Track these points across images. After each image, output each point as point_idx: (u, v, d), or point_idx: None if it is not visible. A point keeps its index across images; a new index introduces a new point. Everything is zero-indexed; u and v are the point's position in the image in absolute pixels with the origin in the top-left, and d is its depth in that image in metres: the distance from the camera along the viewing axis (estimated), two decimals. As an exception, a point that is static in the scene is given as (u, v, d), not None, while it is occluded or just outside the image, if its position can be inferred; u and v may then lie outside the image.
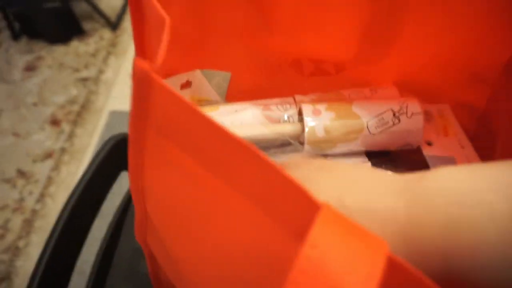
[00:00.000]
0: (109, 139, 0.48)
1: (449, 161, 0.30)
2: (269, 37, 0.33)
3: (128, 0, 0.21)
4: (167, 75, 0.29)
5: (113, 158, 0.47)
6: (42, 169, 1.31)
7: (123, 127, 1.36)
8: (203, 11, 0.30)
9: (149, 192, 0.21)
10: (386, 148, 0.31)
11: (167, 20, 0.18)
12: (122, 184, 0.50)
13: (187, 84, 0.31)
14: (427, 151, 0.31)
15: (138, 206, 0.22)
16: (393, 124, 0.29)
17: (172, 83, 0.29)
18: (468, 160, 0.30)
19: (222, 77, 0.34)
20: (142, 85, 0.16)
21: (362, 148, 0.30)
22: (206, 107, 0.32)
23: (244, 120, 0.31)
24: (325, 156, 0.31)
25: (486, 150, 0.32)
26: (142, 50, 0.23)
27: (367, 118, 0.29)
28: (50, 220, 1.17)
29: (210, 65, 0.33)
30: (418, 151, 0.31)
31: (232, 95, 0.36)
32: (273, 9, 0.31)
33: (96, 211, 0.46)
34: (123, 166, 0.49)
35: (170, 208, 0.21)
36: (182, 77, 0.30)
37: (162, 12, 0.18)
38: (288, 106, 0.31)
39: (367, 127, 0.29)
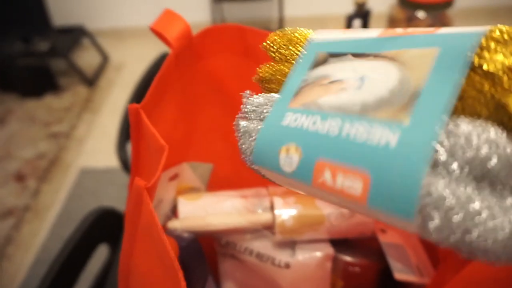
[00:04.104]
0: (91, 213, 0.50)
1: (399, 247, 0.36)
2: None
3: (130, 124, 0.26)
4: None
5: (94, 231, 0.49)
6: (1, 227, 1.25)
7: (92, 185, 1.35)
8: (190, 115, 0.36)
9: (134, 269, 0.25)
10: (346, 236, 0.36)
11: (166, 148, 0.22)
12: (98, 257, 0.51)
13: (175, 176, 0.35)
14: (382, 238, 0.36)
15: (123, 282, 0.26)
16: (350, 216, 0.34)
17: (163, 178, 0.33)
18: (414, 249, 0.36)
19: (205, 168, 0.39)
20: (137, 198, 0.21)
21: (326, 236, 0.35)
22: (190, 195, 0.37)
23: (223, 208, 0.35)
24: (294, 242, 0.35)
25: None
26: (137, 165, 0.27)
27: (328, 211, 0.34)
28: (4, 283, 1.10)
29: (195, 158, 0.38)
30: (374, 238, 0.37)
31: (214, 182, 0.40)
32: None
33: (73, 283, 0.47)
34: (102, 239, 0.51)
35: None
36: (171, 171, 0.35)
37: (162, 141, 0.23)
38: (262, 197, 0.36)
39: (329, 219, 0.34)
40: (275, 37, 0.22)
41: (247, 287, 0.36)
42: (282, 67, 0.21)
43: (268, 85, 0.22)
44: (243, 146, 0.20)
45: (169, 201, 0.36)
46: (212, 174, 0.39)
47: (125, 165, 0.72)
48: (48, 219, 1.26)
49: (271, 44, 0.22)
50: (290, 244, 0.35)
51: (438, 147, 0.13)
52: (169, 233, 0.34)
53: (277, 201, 0.34)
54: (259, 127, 0.19)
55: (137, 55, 2.16)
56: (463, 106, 0.14)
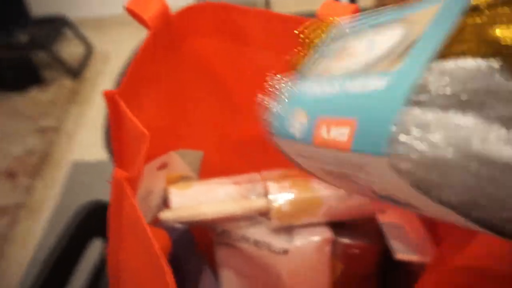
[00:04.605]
0: (82, 207, 0.49)
1: (399, 227, 0.35)
2: (233, 121, 0.37)
3: (108, 112, 0.24)
4: (145, 161, 0.32)
5: (86, 225, 0.48)
6: (-5, 227, 1.24)
7: (86, 179, 1.33)
8: (177, 102, 0.34)
9: (122, 266, 0.24)
10: (344, 218, 0.34)
11: (147, 135, 0.21)
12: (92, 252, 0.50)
13: (163, 165, 0.34)
14: (381, 219, 0.35)
15: (113, 279, 0.24)
16: (348, 198, 0.33)
17: (150, 168, 0.32)
18: (415, 228, 0.35)
19: (195, 155, 0.37)
20: (117, 191, 0.19)
21: (324, 220, 0.34)
22: (181, 184, 0.35)
23: (216, 197, 0.34)
24: (291, 228, 0.34)
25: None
26: (119, 155, 0.25)
27: (325, 193, 0.33)
28: (2, 283, 1.09)
29: (184, 146, 0.36)
30: (373, 219, 0.36)
31: (205, 171, 0.39)
32: (233, 96, 0.36)
33: (66, 281, 0.46)
34: (95, 233, 0.50)
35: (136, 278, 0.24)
36: (159, 160, 0.33)
37: (142, 128, 0.21)
38: (255, 183, 0.35)
39: (326, 202, 0.33)
40: (306, 26, 0.24)
41: (245, 275, 0.35)
42: (310, 52, 0.23)
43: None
44: (267, 121, 0.22)
45: (159, 191, 0.34)
46: (203, 163, 0.38)
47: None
48: (42, 215, 1.24)
49: (303, 31, 0.24)
50: (287, 230, 0.34)
51: (419, 84, 0.13)
52: (161, 224, 0.33)
53: (272, 186, 0.33)
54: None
55: (123, 45, 2.11)
56: (456, 48, 0.14)
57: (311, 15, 0.30)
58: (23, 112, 1.68)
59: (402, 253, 0.32)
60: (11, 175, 1.40)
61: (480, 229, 0.13)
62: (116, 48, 2.09)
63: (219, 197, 0.34)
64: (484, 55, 0.12)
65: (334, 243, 0.34)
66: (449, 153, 0.11)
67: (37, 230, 1.19)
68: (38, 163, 1.43)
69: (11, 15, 1.76)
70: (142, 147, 0.19)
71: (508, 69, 0.11)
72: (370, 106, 0.14)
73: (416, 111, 0.13)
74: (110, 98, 0.22)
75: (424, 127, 0.12)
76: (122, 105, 0.22)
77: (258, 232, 0.34)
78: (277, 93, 0.22)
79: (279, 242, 0.33)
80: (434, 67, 0.13)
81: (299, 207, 0.32)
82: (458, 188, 0.12)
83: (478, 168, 0.11)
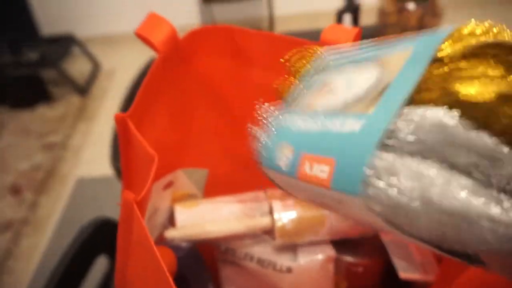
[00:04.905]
0: (88, 223, 0.49)
1: (403, 245, 0.35)
2: (237, 135, 0.38)
3: (118, 134, 0.25)
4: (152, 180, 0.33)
5: (92, 242, 0.48)
6: (0, 241, 1.24)
7: (90, 194, 1.33)
8: (182, 121, 0.35)
9: (129, 286, 0.25)
10: (347, 236, 0.35)
11: (156, 157, 0.21)
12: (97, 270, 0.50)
13: (169, 184, 0.34)
14: (385, 237, 0.36)
15: None
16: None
17: (157, 187, 0.32)
18: (418, 246, 0.35)
19: (200, 174, 0.38)
20: (127, 212, 0.20)
21: (327, 238, 0.34)
22: (187, 202, 0.36)
23: (221, 215, 0.34)
24: (295, 246, 0.34)
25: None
26: (127, 175, 0.26)
27: (328, 212, 0.33)
28: (6, 299, 1.09)
29: (190, 164, 0.37)
30: (377, 236, 0.36)
31: (210, 186, 0.39)
32: (236, 112, 0.37)
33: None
34: (101, 250, 0.50)
35: None
36: (165, 179, 0.34)
37: (151, 150, 0.22)
38: (260, 201, 0.35)
39: (329, 220, 0.33)
40: (293, 52, 0.25)
41: (249, 293, 0.35)
42: (295, 81, 0.24)
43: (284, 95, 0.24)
44: (256, 151, 0.23)
45: (165, 209, 0.35)
46: (208, 179, 0.39)
47: (120, 174, 0.71)
48: (47, 231, 1.25)
49: (290, 57, 0.25)
50: (291, 248, 0.34)
51: (390, 129, 0.14)
52: (167, 243, 0.33)
53: (276, 204, 0.34)
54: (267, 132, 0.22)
55: (129, 62, 2.15)
56: (423, 96, 0.15)
57: (315, 33, 0.31)
58: (31, 129, 1.71)
59: (406, 271, 0.32)
60: (16, 190, 1.41)
61: (454, 258, 0.13)
62: (122, 65, 2.13)
63: (224, 216, 0.34)
64: (446, 105, 0.13)
65: (337, 261, 0.34)
66: (414, 201, 0.12)
67: (41, 245, 1.19)
68: (44, 179, 1.44)
69: (22, 34, 1.80)
70: (151, 169, 0.20)
71: (466, 121, 0.12)
72: (347, 148, 0.15)
73: (387, 156, 0.13)
74: (120, 121, 0.23)
75: (393, 173, 0.13)
76: (132, 127, 0.22)
77: (262, 251, 0.34)
78: (266, 123, 0.23)
79: (283, 260, 0.33)
80: (403, 113, 0.14)
81: (303, 226, 0.33)
82: (425, 230, 0.13)
83: (440, 217, 0.12)
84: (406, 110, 0.14)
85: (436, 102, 0.14)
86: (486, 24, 0.14)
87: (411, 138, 0.13)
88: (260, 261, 0.34)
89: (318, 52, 0.23)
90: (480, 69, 0.13)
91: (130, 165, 0.26)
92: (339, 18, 0.77)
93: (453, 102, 0.13)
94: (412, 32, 0.18)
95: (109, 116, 1.69)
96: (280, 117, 0.22)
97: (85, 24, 2.33)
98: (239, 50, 0.35)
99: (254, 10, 2.34)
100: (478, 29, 0.14)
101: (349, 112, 0.16)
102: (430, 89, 0.14)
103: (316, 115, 0.19)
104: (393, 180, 0.13)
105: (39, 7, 2.15)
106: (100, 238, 0.50)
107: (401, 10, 0.69)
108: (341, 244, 0.35)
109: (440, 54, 0.14)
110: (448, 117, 0.13)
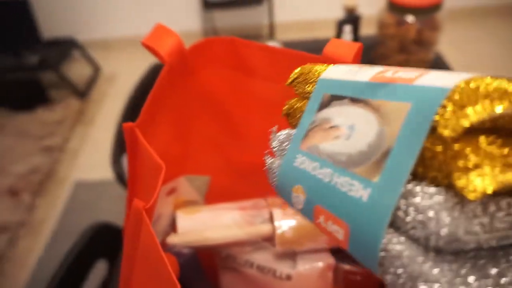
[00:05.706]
0: (87, 228, 0.49)
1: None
2: (238, 145, 0.39)
3: (126, 142, 0.26)
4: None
5: (92, 246, 0.49)
6: (-4, 245, 1.23)
7: (88, 198, 1.33)
8: (185, 130, 0.36)
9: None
10: (346, 244, 0.35)
11: (163, 167, 0.22)
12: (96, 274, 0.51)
13: (172, 191, 0.35)
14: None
15: None
16: (351, 225, 0.34)
17: (161, 193, 0.33)
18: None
19: (202, 180, 0.38)
20: (136, 219, 0.20)
21: (327, 245, 0.35)
22: (189, 209, 0.36)
23: (222, 222, 0.35)
24: (295, 253, 0.35)
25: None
26: (134, 183, 0.27)
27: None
28: (0, 303, 1.08)
29: (192, 171, 0.38)
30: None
31: (211, 194, 0.40)
32: (237, 122, 0.38)
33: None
34: (101, 254, 0.50)
35: None
36: (169, 186, 0.34)
37: (158, 159, 0.22)
38: (260, 209, 0.36)
39: (329, 228, 0.34)
40: (296, 73, 0.24)
41: (248, 300, 0.36)
42: (299, 105, 0.23)
43: (291, 120, 0.24)
44: (270, 180, 0.23)
45: (167, 216, 0.35)
46: (209, 187, 0.39)
47: (120, 178, 0.72)
48: (43, 234, 1.24)
49: (294, 79, 0.24)
50: (291, 255, 0.35)
51: (396, 208, 0.14)
52: (168, 249, 0.34)
53: (276, 212, 0.34)
54: (279, 165, 0.22)
55: (129, 66, 2.16)
56: (424, 170, 0.15)
57: (316, 44, 0.32)
58: (30, 131, 1.71)
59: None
60: (14, 193, 1.40)
61: None
62: (122, 70, 2.14)
63: (224, 222, 0.35)
64: (446, 186, 0.13)
65: (335, 269, 0.34)
66: None
67: (37, 248, 1.19)
68: (42, 182, 1.44)
69: (23, 37, 1.81)
70: (158, 178, 0.20)
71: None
72: (359, 217, 0.15)
73: (393, 238, 0.14)
74: (128, 130, 0.24)
75: (397, 260, 0.13)
76: (140, 137, 0.23)
77: (262, 258, 0.35)
78: (278, 154, 0.23)
79: (282, 267, 0.34)
80: (407, 190, 0.14)
81: (303, 233, 0.34)
82: None
83: None
84: (409, 187, 0.14)
85: (437, 182, 0.14)
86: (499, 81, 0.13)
87: (413, 225, 0.13)
88: (260, 268, 0.34)
89: (321, 76, 0.23)
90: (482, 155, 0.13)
91: (136, 172, 0.26)
92: (339, 29, 0.78)
93: (454, 186, 0.13)
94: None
95: (108, 120, 1.70)
96: (290, 150, 0.21)
97: (85, 28, 2.34)
98: (242, 62, 0.36)
99: (255, 17, 2.36)
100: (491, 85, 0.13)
101: (355, 172, 0.16)
102: (433, 168, 0.14)
103: (323, 163, 0.18)
104: (398, 268, 0.13)
105: (40, 11, 2.16)
106: (99, 242, 0.50)
107: (400, 22, 0.71)
108: (340, 252, 0.36)
109: (444, 132, 0.13)
110: (450, 207, 0.13)
